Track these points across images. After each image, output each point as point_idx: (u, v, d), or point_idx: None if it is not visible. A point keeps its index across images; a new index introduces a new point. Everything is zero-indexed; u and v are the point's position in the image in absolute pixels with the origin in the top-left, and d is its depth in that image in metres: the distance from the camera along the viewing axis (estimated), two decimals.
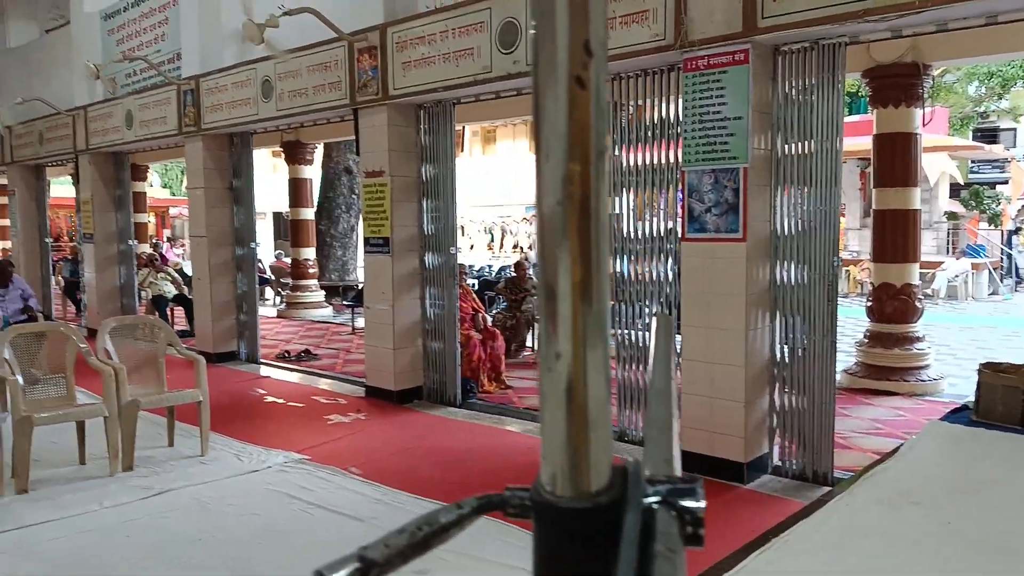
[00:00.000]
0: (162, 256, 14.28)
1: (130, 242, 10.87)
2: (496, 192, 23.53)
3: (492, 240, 25.51)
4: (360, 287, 12.15)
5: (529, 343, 8.80)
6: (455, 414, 6.31)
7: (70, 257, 13.66)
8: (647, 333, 5.14)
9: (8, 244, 16.08)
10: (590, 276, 0.48)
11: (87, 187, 10.65)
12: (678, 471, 0.57)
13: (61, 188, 17.95)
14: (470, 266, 12.96)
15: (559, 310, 0.48)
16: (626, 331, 5.26)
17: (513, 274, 9.19)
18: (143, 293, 10.79)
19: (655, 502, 0.50)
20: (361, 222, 15.24)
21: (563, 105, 0.46)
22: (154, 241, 17.04)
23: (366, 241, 6.79)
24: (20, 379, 4.78)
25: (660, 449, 0.60)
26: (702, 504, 0.51)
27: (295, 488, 4.49)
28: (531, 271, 8.89)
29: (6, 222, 16.44)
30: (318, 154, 13.78)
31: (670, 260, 4.99)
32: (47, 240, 12.98)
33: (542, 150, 0.47)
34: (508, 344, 7.70)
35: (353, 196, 14.79)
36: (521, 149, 24.88)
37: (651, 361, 0.74)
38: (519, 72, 5.40)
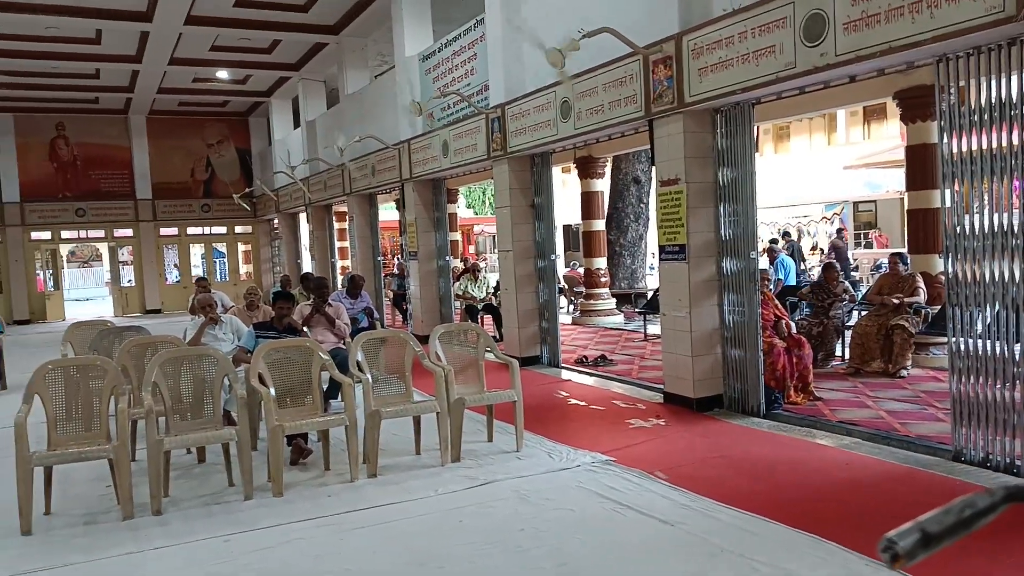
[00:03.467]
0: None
1: (447, 258, 12.08)
2: (791, 192, 22.30)
3: None
4: (651, 294, 12.26)
5: (839, 352, 8.23)
6: (759, 424, 6.11)
7: (397, 273, 15.50)
8: (984, 341, 4.59)
9: (347, 263, 18.64)
10: None
11: (411, 211, 12.04)
12: None
13: (385, 213, 20.41)
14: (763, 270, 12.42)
15: None
16: (960, 339, 4.72)
17: (820, 278, 8.65)
18: (457, 304, 11.91)
19: None
20: (650, 231, 15.43)
21: None
22: (463, 258, 18.65)
23: (661, 248, 6.85)
24: (370, 378, 5.55)
25: None
26: None
27: (604, 488, 4.67)
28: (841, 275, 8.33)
29: (346, 244, 19.10)
30: (608, 167, 14.15)
31: (1016, 258, 4.40)
32: (379, 258, 14.85)
33: None
34: (815, 353, 7.28)
35: (641, 206, 14.96)
36: (818, 145, 23.34)
37: None
38: (826, 65, 5.12)
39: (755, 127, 6.28)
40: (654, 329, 11.06)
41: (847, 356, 8.02)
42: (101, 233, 21.62)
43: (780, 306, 7.09)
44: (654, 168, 6.90)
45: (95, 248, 33.56)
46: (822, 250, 22.09)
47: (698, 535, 3.90)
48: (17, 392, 8.73)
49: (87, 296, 30.69)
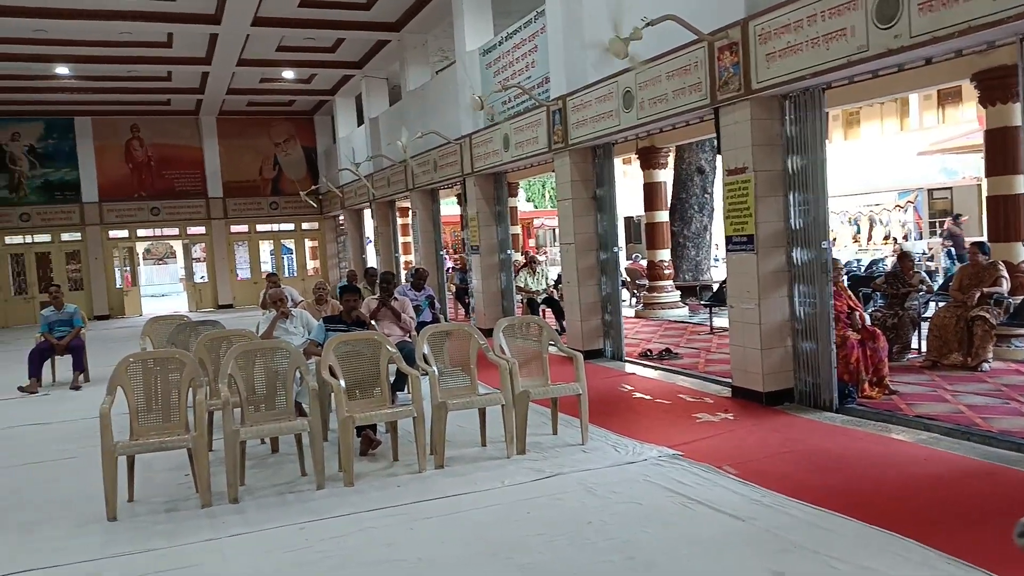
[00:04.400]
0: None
1: (508, 251, 12.11)
2: (861, 179, 21.61)
3: (858, 232, 23.48)
4: (717, 286, 12.06)
5: (915, 344, 7.95)
6: (832, 419, 5.95)
7: (459, 267, 15.63)
8: None
9: (410, 258, 18.87)
10: None
11: (473, 205, 12.11)
12: None
13: (445, 207, 20.60)
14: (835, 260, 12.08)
15: None
16: None
17: (895, 268, 8.38)
18: (518, 297, 11.93)
19: None
20: (714, 222, 15.18)
21: None
22: (524, 251, 18.70)
23: (728, 239, 6.73)
24: (436, 370, 5.61)
25: None
26: None
27: (672, 482, 4.62)
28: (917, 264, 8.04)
29: (409, 239, 19.34)
30: (671, 157, 13.97)
31: None
32: (441, 253, 14.99)
33: None
34: (890, 345, 7.05)
35: (706, 196, 14.73)
36: (890, 130, 22.56)
37: None
38: (900, 47, 4.94)
39: (826, 113, 6.10)
40: (720, 322, 10.89)
41: (924, 349, 7.75)
42: (175, 231, 22.40)
43: (853, 297, 6.89)
44: (719, 157, 6.77)
45: (169, 246, 34.82)
46: (895, 239, 21.38)
47: (771, 531, 3.82)
48: (99, 385, 9.15)
49: (162, 292, 31.84)
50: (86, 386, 9.46)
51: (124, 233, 21.44)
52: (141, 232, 22.04)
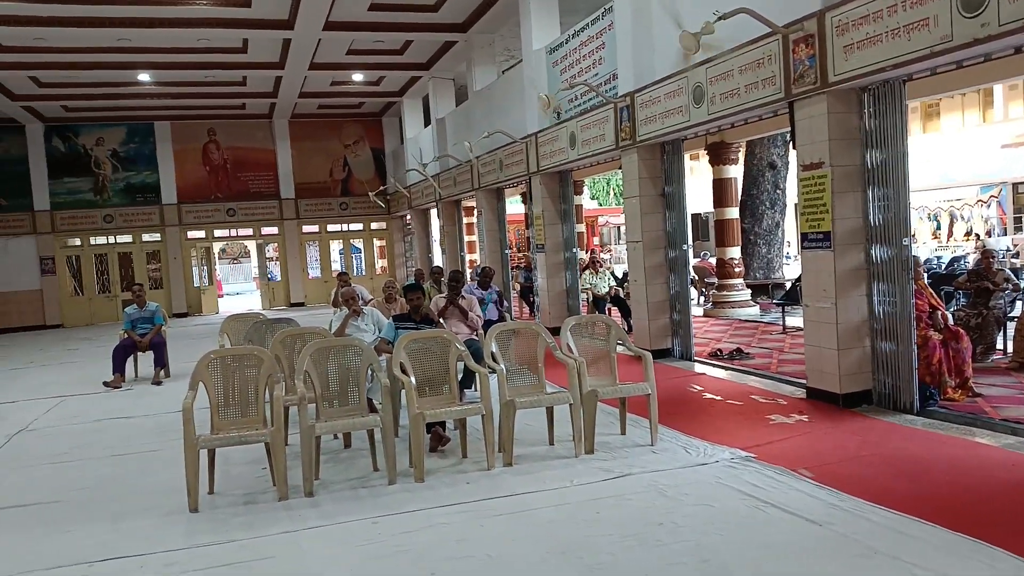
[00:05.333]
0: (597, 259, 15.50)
1: (573, 250, 12.07)
2: (941, 173, 20.76)
3: (938, 228, 22.58)
4: (790, 285, 11.78)
5: (1000, 345, 7.61)
6: (912, 422, 5.75)
7: (523, 265, 15.66)
8: None
9: (476, 256, 19.00)
10: None
11: (538, 204, 12.11)
12: None
13: (510, 206, 20.66)
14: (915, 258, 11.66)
15: None
16: None
17: (977, 265, 8.03)
18: (583, 296, 11.88)
19: None
20: (786, 219, 14.81)
21: None
22: (590, 249, 18.62)
23: (803, 236, 6.56)
24: (504, 368, 5.63)
25: None
26: None
27: (745, 484, 4.53)
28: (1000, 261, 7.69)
29: (474, 238, 19.48)
30: (741, 152, 13.70)
31: None
32: (506, 251, 15.04)
33: None
34: (974, 346, 6.77)
35: (778, 192, 14.40)
36: (972, 122, 21.61)
37: None
38: (988, 36, 4.73)
39: (906, 105, 5.89)
40: (793, 321, 10.64)
41: (1010, 349, 7.41)
42: (249, 231, 23.08)
43: (936, 296, 6.63)
44: (794, 152, 6.61)
45: (244, 245, 35.87)
46: (977, 235, 20.49)
47: (849, 536, 3.71)
48: (179, 380, 9.52)
49: (236, 291, 32.84)
50: (167, 381, 9.83)
51: (201, 233, 22.21)
52: (217, 232, 22.78)
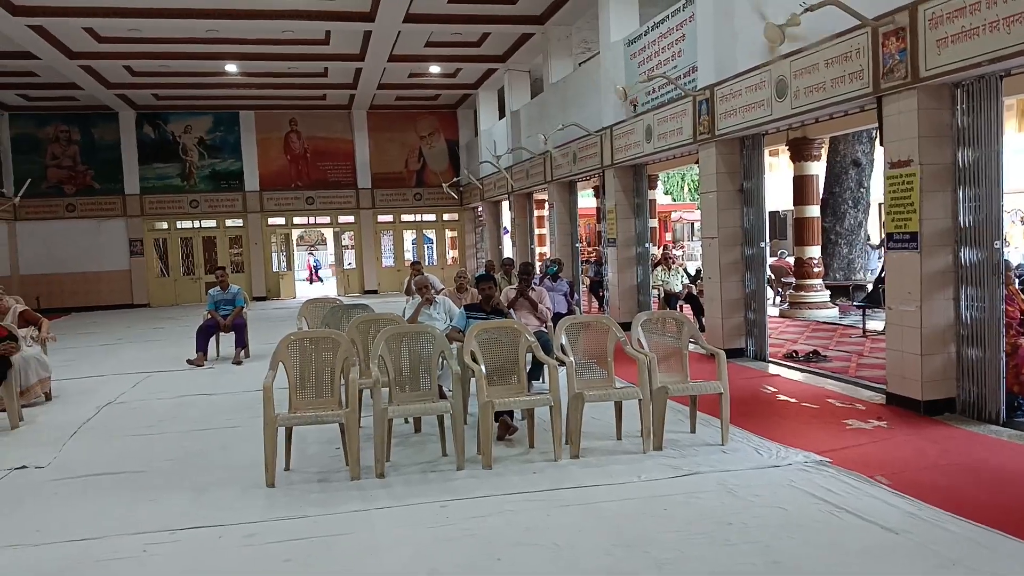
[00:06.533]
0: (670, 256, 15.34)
1: (646, 245, 11.96)
2: None
3: None
4: (871, 287, 11.40)
5: None
6: (998, 432, 5.50)
7: (593, 260, 15.59)
8: None
9: (545, 249, 19.02)
10: None
11: (611, 197, 12.04)
12: None
13: (580, 200, 20.59)
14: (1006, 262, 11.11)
15: None
16: None
17: None
18: (654, 292, 11.76)
19: None
20: (869, 218, 14.32)
21: None
22: (663, 245, 18.42)
23: (889, 236, 6.35)
24: (573, 360, 5.63)
25: None
26: None
27: (819, 489, 4.42)
28: None
29: (544, 230, 19.49)
30: (824, 148, 13.31)
31: None
32: (577, 245, 15.01)
33: None
34: None
35: (861, 190, 13.94)
36: None
37: None
38: None
39: (1002, 102, 5.62)
40: (874, 324, 10.31)
41: None
42: (327, 219, 23.65)
43: None
44: (880, 149, 6.39)
45: (321, 233, 36.75)
46: None
47: (927, 546, 3.59)
48: (258, 360, 9.86)
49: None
50: (246, 361, 10.18)
51: (281, 220, 22.87)
52: (297, 220, 23.42)
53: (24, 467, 5.51)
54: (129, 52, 15.77)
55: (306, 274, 32.64)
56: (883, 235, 6.48)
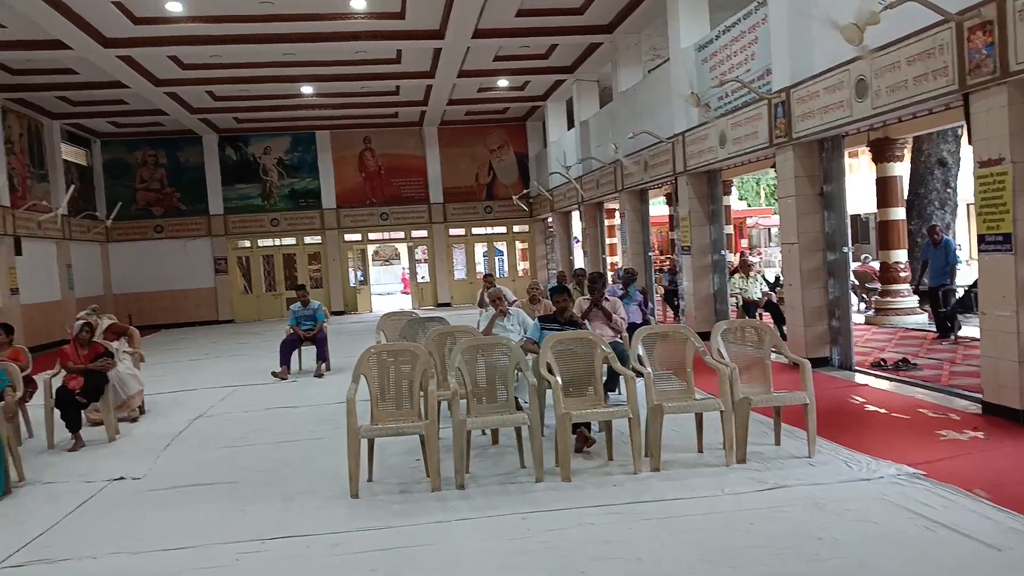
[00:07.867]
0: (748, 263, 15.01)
1: (722, 252, 11.74)
2: None
3: None
4: (962, 292, 10.90)
5: None
6: None
7: (667, 268, 15.41)
8: None
9: (617, 259, 18.87)
10: None
11: (685, 205, 11.88)
12: None
13: (652, 208, 20.37)
14: None
15: None
16: None
17: None
18: (732, 300, 11.52)
19: None
20: (957, 220, 13.70)
21: None
22: (739, 252, 18.05)
23: (981, 238, 6.07)
24: (651, 371, 5.57)
25: None
26: None
27: (913, 503, 4.25)
28: None
29: (615, 240, 19.36)
30: (907, 149, 12.82)
31: None
32: (649, 253, 14.86)
33: None
34: None
35: (948, 191, 13.36)
36: None
37: None
38: None
39: None
40: (968, 331, 9.86)
41: None
42: (401, 234, 24.09)
43: None
44: (969, 147, 6.12)
45: (395, 248, 37.39)
46: None
47: None
48: (338, 373, 10.09)
49: (388, 291, 34.33)
50: (327, 374, 10.44)
51: (357, 236, 23.41)
52: (372, 235, 23.93)
53: (122, 478, 5.78)
54: (211, 78, 16.45)
55: (400, 287, 33.52)
56: (976, 236, 6.18)
